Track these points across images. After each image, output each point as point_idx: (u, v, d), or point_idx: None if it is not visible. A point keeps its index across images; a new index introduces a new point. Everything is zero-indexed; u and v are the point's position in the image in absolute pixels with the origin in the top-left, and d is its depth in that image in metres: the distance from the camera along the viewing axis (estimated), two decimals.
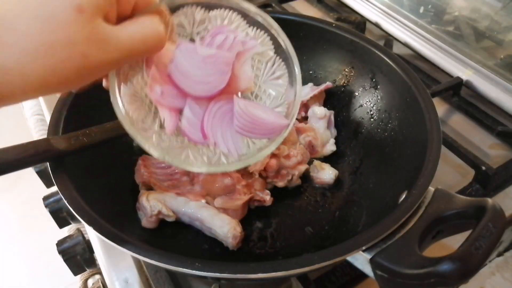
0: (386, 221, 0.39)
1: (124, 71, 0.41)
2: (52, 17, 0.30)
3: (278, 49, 0.48)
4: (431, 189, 0.42)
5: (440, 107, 0.77)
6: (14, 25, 0.29)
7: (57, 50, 0.30)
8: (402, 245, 0.38)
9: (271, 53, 0.48)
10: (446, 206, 0.40)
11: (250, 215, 0.56)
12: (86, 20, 0.31)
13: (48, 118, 0.74)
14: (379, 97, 0.61)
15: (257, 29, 0.47)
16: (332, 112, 0.64)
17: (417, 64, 0.85)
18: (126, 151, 0.59)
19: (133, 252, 0.37)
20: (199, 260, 0.36)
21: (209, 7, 0.46)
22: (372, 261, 0.37)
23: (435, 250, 0.40)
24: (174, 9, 0.44)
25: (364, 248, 0.37)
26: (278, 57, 0.47)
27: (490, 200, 0.38)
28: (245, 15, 0.46)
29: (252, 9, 0.46)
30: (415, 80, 0.54)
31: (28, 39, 0.29)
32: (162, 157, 0.39)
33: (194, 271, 0.36)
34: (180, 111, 0.42)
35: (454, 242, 0.46)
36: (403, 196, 0.43)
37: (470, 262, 0.33)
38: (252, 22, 0.47)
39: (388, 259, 0.37)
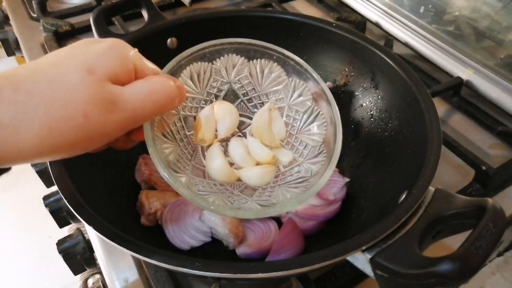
0: (386, 221, 0.39)
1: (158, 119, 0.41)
2: (61, 77, 0.29)
3: (315, 97, 0.47)
4: (431, 189, 0.42)
5: (440, 107, 0.77)
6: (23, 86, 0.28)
7: (56, 108, 0.28)
8: (402, 245, 0.37)
9: (309, 103, 0.48)
10: (446, 206, 0.40)
11: None
12: (94, 81, 0.30)
13: None
14: (379, 97, 0.61)
15: (297, 79, 0.47)
16: None
17: (417, 64, 0.85)
18: (126, 151, 0.59)
19: (133, 251, 0.37)
20: (199, 260, 0.36)
21: (249, 57, 0.47)
22: (372, 261, 0.37)
23: (435, 250, 0.40)
24: (212, 57, 0.45)
25: (364, 248, 0.37)
26: (316, 108, 0.48)
27: (490, 200, 0.38)
28: (284, 63, 0.47)
29: (295, 58, 0.46)
30: (416, 80, 0.54)
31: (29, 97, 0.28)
32: (191, 199, 0.38)
33: (194, 271, 0.36)
34: None
35: (454, 242, 0.46)
36: (403, 196, 0.43)
37: (470, 262, 0.33)
38: (292, 71, 0.47)
39: (388, 259, 0.37)
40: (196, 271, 0.36)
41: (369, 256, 0.38)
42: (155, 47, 0.64)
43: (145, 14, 0.67)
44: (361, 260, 0.39)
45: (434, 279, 0.34)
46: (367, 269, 0.38)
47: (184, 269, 0.36)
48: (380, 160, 0.57)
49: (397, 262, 0.36)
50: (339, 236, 0.52)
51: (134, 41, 0.62)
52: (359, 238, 0.38)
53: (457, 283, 0.34)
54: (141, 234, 0.51)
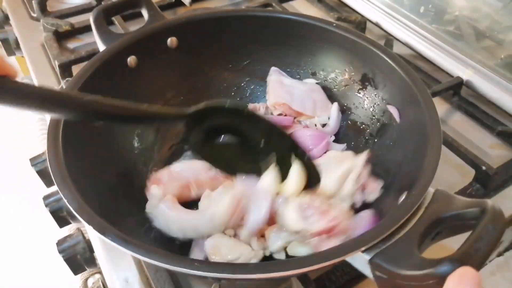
0: (386, 222, 0.39)
1: None
2: None
3: None
4: (431, 190, 0.42)
5: (441, 107, 0.77)
6: None
7: None
8: (402, 246, 0.37)
9: None
10: (446, 207, 0.40)
11: None
12: None
13: (48, 118, 0.74)
14: (379, 97, 0.61)
15: None
16: None
17: (417, 64, 0.85)
18: (127, 150, 0.59)
19: (133, 252, 0.37)
20: (199, 260, 0.36)
21: None
22: (371, 262, 0.37)
23: (432, 251, 0.40)
24: None
25: (363, 249, 0.37)
26: None
27: (489, 202, 0.38)
28: None
29: None
30: (415, 79, 0.54)
31: None
32: None
33: (194, 271, 0.36)
34: None
35: (452, 243, 0.46)
36: (403, 197, 0.43)
37: (469, 263, 0.33)
38: None
39: (387, 260, 0.37)
40: (196, 271, 0.36)
41: (368, 257, 0.37)
42: (155, 47, 0.64)
43: (145, 13, 0.66)
44: (360, 261, 0.39)
45: (433, 281, 0.34)
46: (366, 270, 0.38)
47: (184, 269, 0.36)
48: (380, 160, 0.57)
49: (396, 264, 0.36)
50: None
51: (134, 40, 0.62)
52: (358, 239, 0.38)
53: None
54: (141, 235, 0.51)
